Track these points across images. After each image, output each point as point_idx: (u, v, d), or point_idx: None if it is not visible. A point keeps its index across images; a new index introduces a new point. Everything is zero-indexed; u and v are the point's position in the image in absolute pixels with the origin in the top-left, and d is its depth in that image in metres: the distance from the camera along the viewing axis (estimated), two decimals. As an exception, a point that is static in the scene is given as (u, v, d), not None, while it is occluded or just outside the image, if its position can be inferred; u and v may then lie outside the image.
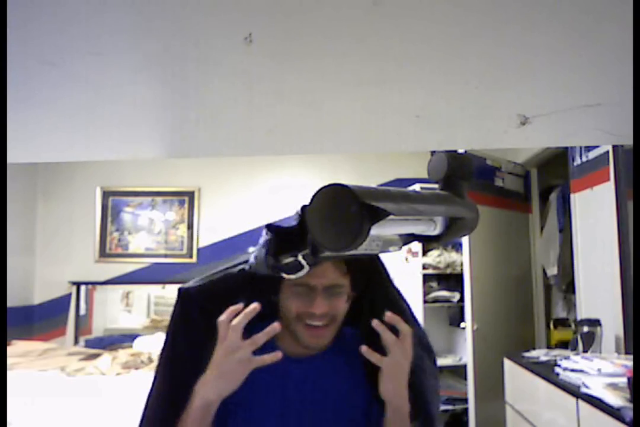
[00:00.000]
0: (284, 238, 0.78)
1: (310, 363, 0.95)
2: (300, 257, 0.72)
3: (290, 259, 0.74)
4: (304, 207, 0.76)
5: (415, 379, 0.91)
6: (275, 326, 0.81)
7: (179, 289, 0.98)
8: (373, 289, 0.99)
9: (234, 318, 0.81)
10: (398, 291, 1.03)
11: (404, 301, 1.03)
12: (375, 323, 0.84)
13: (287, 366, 0.92)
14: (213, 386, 0.82)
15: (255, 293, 0.90)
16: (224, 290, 0.95)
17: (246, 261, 0.95)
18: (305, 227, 0.73)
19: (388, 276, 1.02)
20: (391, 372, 0.85)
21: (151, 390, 0.94)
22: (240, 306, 0.82)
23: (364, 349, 0.84)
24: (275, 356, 0.81)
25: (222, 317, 0.82)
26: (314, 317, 0.89)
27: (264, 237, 0.81)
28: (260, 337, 0.81)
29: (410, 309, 1.03)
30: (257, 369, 0.85)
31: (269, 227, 0.81)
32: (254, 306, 0.82)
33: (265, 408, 0.92)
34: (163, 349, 0.98)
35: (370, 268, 0.99)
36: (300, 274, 0.74)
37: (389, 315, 0.84)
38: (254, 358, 0.81)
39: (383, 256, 0.97)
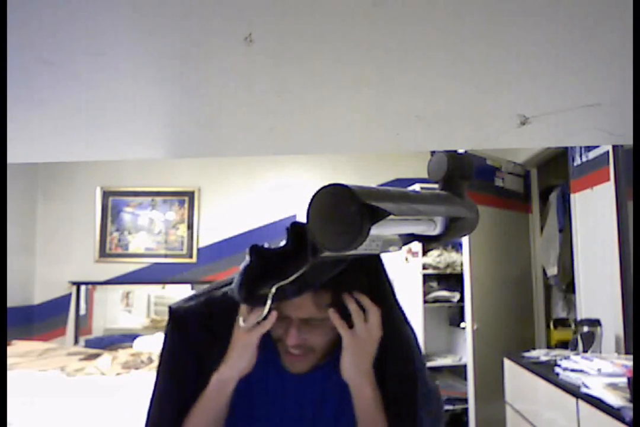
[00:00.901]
0: (268, 263, 0.77)
1: (308, 379, 0.93)
2: (273, 289, 0.71)
3: (267, 291, 0.72)
4: (293, 224, 0.75)
5: (393, 366, 0.88)
6: (274, 314, 0.81)
7: (169, 308, 0.97)
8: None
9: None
10: (403, 314, 0.96)
11: (408, 324, 0.96)
12: (345, 296, 0.82)
13: (286, 382, 0.92)
14: (230, 364, 0.85)
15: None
16: (211, 313, 0.94)
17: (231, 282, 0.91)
18: (295, 249, 0.74)
19: (395, 300, 0.94)
20: (352, 347, 0.83)
21: (153, 392, 0.94)
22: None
23: (331, 311, 0.82)
24: (272, 316, 0.81)
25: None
26: (290, 348, 0.86)
27: (245, 261, 0.79)
28: (251, 322, 0.82)
29: (416, 339, 0.96)
30: (258, 387, 0.89)
31: (252, 249, 0.79)
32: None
33: (266, 423, 0.92)
34: (161, 356, 0.99)
35: (372, 291, 0.89)
36: (266, 310, 0.74)
37: (359, 296, 0.83)
38: (256, 327, 0.82)
39: (384, 257, 0.91)
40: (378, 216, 0.52)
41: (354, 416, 0.88)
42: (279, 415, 0.92)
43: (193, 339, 0.94)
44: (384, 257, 0.91)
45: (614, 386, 1.53)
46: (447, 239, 0.66)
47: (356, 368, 0.84)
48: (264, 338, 0.87)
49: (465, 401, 2.91)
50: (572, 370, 1.79)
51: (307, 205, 0.57)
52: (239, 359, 0.85)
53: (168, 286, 4.03)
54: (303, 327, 0.84)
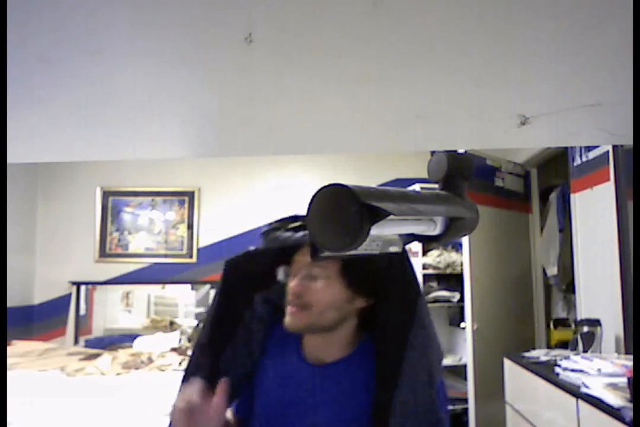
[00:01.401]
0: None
1: (328, 370, 0.94)
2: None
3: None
4: (266, 232, 0.80)
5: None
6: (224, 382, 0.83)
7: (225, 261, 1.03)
8: (392, 298, 0.94)
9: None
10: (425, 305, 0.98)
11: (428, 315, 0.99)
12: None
13: (306, 371, 0.94)
14: None
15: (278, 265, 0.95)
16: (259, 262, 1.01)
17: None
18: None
19: (416, 284, 0.96)
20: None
21: (197, 339, 1.01)
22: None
23: None
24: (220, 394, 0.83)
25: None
26: (290, 296, 0.91)
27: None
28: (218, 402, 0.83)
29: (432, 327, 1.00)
30: (277, 376, 0.93)
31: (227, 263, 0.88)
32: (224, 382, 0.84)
33: (285, 415, 0.93)
34: (210, 307, 1.04)
35: (391, 271, 0.93)
36: None
37: None
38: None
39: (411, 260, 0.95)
40: (378, 215, 0.52)
41: (353, 413, 0.91)
42: (301, 406, 0.93)
43: (235, 292, 0.99)
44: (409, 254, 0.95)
45: (614, 386, 1.53)
46: (447, 239, 0.66)
47: None
48: (285, 332, 0.92)
49: (465, 401, 2.91)
50: (572, 370, 1.78)
51: (307, 206, 0.57)
52: None
53: (168, 286, 4.02)
54: (304, 276, 0.91)
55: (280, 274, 0.96)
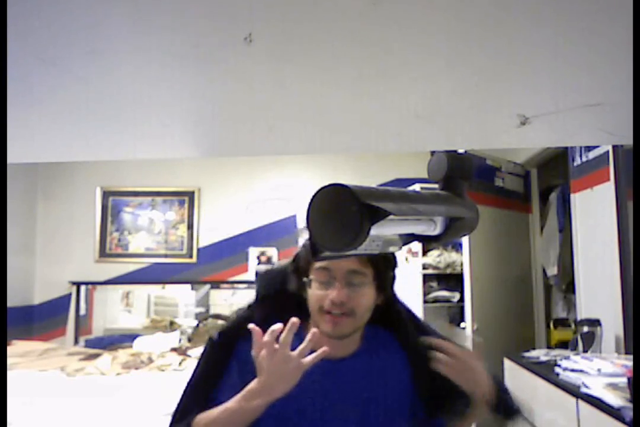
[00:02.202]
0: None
1: (347, 364, 0.97)
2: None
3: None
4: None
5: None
6: (294, 321, 0.85)
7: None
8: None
9: (279, 336, 0.85)
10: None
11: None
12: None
13: (324, 368, 0.93)
14: (266, 393, 0.85)
15: (291, 289, 0.99)
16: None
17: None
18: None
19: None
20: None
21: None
22: (279, 325, 0.86)
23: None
24: (322, 353, 0.85)
25: (267, 338, 0.85)
26: (332, 306, 0.92)
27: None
28: (305, 348, 0.85)
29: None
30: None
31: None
32: (294, 321, 0.86)
33: (303, 411, 0.93)
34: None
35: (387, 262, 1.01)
36: None
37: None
38: (304, 361, 0.85)
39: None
40: (378, 216, 0.52)
41: (385, 403, 0.94)
42: (318, 402, 0.94)
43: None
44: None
45: (614, 386, 1.53)
46: (447, 239, 0.66)
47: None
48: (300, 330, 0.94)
49: (465, 401, 2.91)
50: (572, 370, 1.78)
51: (307, 205, 0.57)
52: (279, 386, 0.85)
53: (168, 286, 4.03)
54: (345, 284, 0.92)
55: (294, 284, 0.99)
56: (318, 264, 0.94)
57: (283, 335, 0.85)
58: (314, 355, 0.85)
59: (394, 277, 1.01)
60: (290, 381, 0.85)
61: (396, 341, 1.02)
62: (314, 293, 0.94)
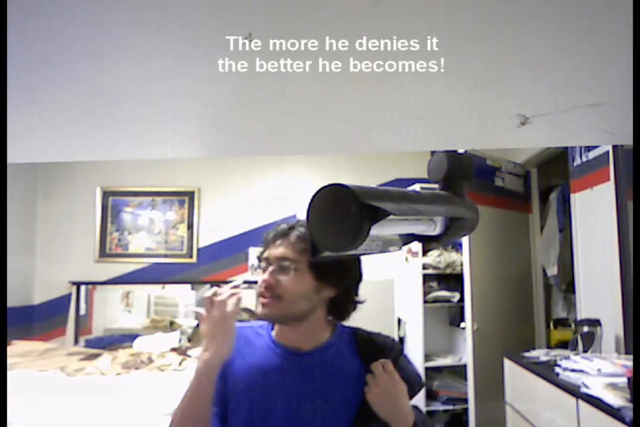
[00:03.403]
0: None
1: (307, 358, 1.01)
2: None
3: None
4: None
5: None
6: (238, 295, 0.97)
7: None
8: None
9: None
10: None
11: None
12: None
13: (286, 359, 1.00)
14: (213, 350, 0.93)
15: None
16: None
17: None
18: None
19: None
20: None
21: None
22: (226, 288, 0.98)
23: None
24: (239, 299, 0.97)
25: (208, 293, 0.96)
26: (261, 288, 0.99)
27: None
28: (227, 296, 0.96)
29: None
30: (256, 364, 0.99)
31: None
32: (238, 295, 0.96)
33: (267, 402, 0.96)
34: None
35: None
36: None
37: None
38: (229, 308, 0.95)
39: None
40: (378, 216, 0.52)
41: (343, 397, 0.97)
42: (279, 395, 0.97)
43: None
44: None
45: (614, 386, 1.53)
46: (447, 239, 0.66)
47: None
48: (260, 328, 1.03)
49: (465, 401, 2.91)
50: (572, 370, 1.78)
51: (307, 205, 0.57)
52: (221, 343, 0.93)
53: (168, 286, 4.02)
54: (276, 269, 0.99)
55: (253, 268, 1.07)
56: (263, 254, 1.03)
57: (221, 296, 0.96)
58: (233, 299, 0.96)
59: (337, 270, 1.01)
60: (225, 329, 0.93)
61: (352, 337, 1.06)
62: (259, 278, 1.02)
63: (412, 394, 0.99)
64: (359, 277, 1.05)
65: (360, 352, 1.02)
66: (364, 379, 0.96)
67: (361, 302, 1.05)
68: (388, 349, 1.03)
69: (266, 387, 0.97)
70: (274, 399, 0.96)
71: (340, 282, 1.01)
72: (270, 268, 0.99)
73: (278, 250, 1.00)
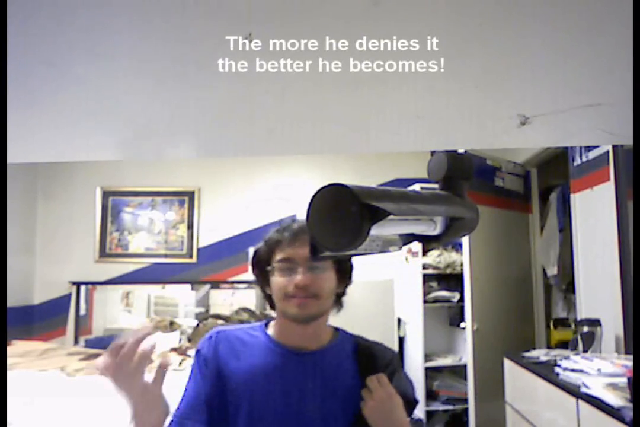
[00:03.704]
0: None
1: (310, 357, 1.00)
2: None
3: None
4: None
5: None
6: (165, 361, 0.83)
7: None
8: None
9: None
10: None
11: None
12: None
13: (287, 360, 0.99)
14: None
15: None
16: None
17: None
18: None
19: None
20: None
21: None
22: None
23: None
24: (163, 367, 0.82)
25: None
26: (296, 290, 0.96)
27: None
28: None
29: None
30: (255, 364, 0.98)
31: None
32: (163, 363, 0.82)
33: (268, 401, 0.96)
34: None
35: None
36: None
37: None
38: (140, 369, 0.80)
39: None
40: (378, 215, 0.52)
41: (343, 399, 0.97)
42: (280, 394, 0.96)
43: None
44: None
45: (614, 386, 1.53)
46: (447, 239, 0.66)
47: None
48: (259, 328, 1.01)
49: (465, 401, 2.91)
50: (572, 370, 1.78)
51: (307, 205, 0.57)
52: (148, 412, 0.87)
53: (168, 286, 4.02)
54: (307, 269, 0.97)
55: (255, 276, 1.05)
56: (280, 255, 0.99)
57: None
58: (154, 372, 0.81)
59: (351, 267, 1.05)
60: (142, 396, 0.83)
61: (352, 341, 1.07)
62: (277, 281, 0.99)
63: (408, 408, 0.98)
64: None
65: (358, 361, 1.02)
66: (360, 386, 0.96)
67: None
68: (386, 362, 1.03)
69: (267, 386, 0.96)
70: (274, 398, 0.96)
71: (350, 278, 1.05)
72: (300, 268, 0.98)
73: (304, 250, 0.98)
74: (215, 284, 3.97)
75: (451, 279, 3.35)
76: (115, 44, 0.42)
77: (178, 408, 0.97)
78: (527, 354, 2.25)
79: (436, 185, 0.71)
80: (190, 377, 1.02)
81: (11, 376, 2.45)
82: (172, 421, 0.94)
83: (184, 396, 1.00)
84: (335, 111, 0.58)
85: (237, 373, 0.98)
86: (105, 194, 3.99)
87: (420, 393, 3.09)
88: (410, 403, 1.00)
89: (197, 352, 1.04)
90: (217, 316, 3.62)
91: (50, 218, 3.97)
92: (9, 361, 2.82)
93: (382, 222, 0.53)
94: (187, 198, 4.00)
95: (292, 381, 0.98)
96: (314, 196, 0.57)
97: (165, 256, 3.95)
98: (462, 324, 2.95)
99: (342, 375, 1.00)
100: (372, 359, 1.02)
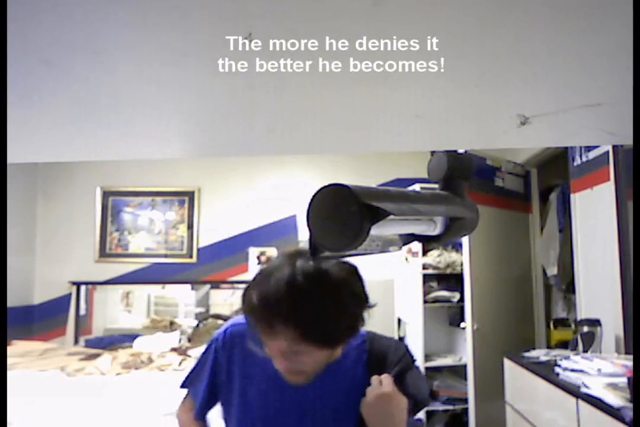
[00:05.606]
0: None
1: (309, 388, 0.94)
2: None
3: None
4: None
5: None
6: None
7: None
8: None
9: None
10: None
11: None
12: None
13: (285, 392, 0.94)
14: None
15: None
16: None
17: None
18: None
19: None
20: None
21: None
22: None
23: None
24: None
25: None
26: (281, 370, 0.89)
27: None
28: None
29: None
30: (255, 394, 0.94)
31: None
32: None
33: (264, 392, 0.95)
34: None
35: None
36: None
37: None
38: None
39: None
40: (378, 215, 0.52)
41: (351, 423, 0.92)
42: (284, 408, 0.94)
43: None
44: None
45: (614, 386, 1.53)
46: (447, 239, 0.66)
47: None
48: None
49: (465, 401, 2.91)
50: (572, 370, 1.78)
51: (307, 205, 0.57)
52: None
53: (168, 286, 4.02)
54: (288, 355, 0.83)
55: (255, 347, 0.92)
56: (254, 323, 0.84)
57: None
58: None
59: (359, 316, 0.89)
60: None
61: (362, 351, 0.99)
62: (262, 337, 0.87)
63: (415, 409, 0.93)
64: None
65: (368, 363, 0.97)
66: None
67: None
68: (395, 361, 0.97)
69: (264, 420, 0.94)
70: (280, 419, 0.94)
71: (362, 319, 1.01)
72: (277, 360, 0.91)
73: (280, 342, 0.83)
74: (215, 284, 3.97)
75: (451, 279, 3.35)
76: (115, 43, 0.42)
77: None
78: (527, 354, 2.25)
79: (436, 186, 0.71)
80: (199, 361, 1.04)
81: (11, 376, 2.45)
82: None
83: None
84: (335, 111, 0.58)
85: (237, 380, 0.97)
86: (105, 194, 3.99)
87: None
88: (419, 403, 0.94)
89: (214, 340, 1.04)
90: (217, 316, 3.63)
91: (50, 218, 3.97)
92: (9, 361, 2.82)
93: (382, 222, 0.53)
94: (187, 198, 4.00)
95: (286, 414, 0.95)
96: (314, 196, 0.57)
97: (165, 256, 3.95)
98: (462, 324, 2.95)
99: (352, 378, 0.96)
100: (381, 359, 0.97)
